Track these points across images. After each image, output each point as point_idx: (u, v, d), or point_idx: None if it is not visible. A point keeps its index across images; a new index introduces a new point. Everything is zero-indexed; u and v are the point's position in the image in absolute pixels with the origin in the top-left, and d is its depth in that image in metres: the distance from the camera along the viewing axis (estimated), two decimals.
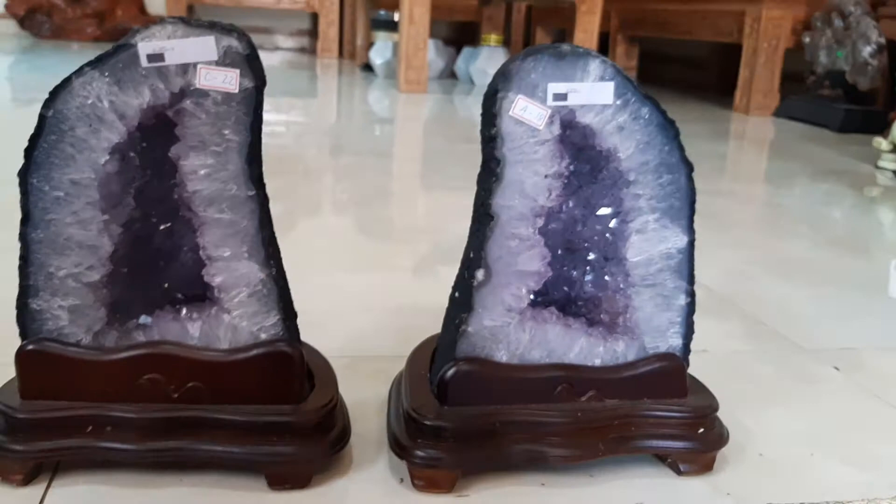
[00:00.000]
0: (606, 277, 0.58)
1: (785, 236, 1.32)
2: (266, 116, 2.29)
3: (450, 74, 3.83)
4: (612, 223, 0.57)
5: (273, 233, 0.54)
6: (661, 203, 0.57)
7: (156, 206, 0.53)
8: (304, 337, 0.59)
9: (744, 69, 2.97)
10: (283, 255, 0.55)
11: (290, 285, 0.56)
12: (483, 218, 0.55)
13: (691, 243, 0.58)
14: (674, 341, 0.60)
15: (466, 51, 3.70)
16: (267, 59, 4.28)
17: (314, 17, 4.70)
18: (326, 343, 0.65)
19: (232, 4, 4.49)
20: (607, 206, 0.57)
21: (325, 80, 3.59)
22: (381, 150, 1.95)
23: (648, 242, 0.57)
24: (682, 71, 4.14)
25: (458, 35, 4.93)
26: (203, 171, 0.51)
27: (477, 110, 2.07)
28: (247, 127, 0.51)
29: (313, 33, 4.86)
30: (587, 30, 3.14)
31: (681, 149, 0.56)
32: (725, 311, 0.94)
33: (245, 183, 0.52)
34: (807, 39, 2.83)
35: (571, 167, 0.56)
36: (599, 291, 0.59)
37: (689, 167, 0.56)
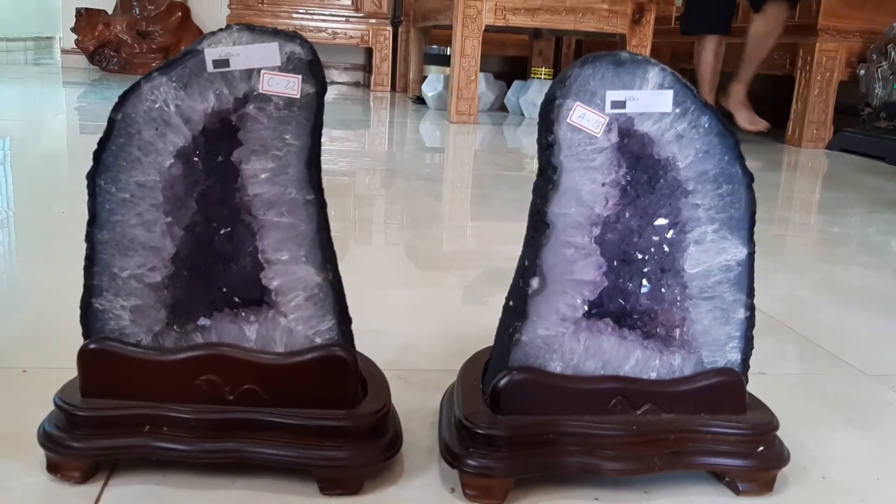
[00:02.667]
0: (663, 289, 0.58)
1: (842, 263, 1.29)
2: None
3: (500, 107, 3.86)
4: (670, 234, 0.56)
5: (330, 237, 0.54)
6: (720, 214, 0.56)
7: (217, 210, 0.54)
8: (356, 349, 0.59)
9: (796, 102, 2.93)
10: None
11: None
12: (539, 226, 0.55)
13: (751, 255, 0.57)
14: (732, 356, 0.58)
15: (517, 84, 3.73)
16: None
17: (368, 52, 4.78)
18: (378, 356, 0.65)
19: None
20: (665, 216, 0.56)
21: (378, 111, 3.65)
22: (432, 176, 1.97)
23: (707, 254, 0.56)
24: None
25: (509, 69, 4.97)
26: (264, 174, 0.52)
27: (526, 141, 2.09)
28: (307, 132, 0.52)
29: (367, 68, 4.94)
30: None
31: (740, 158, 0.55)
32: (782, 335, 0.92)
33: (304, 187, 0.53)
34: (862, 72, 2.78)
35: (629, 176, 0.55)
36: (655, 304, 0.58)
37: (750, 177, 0.56)
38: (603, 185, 0.55)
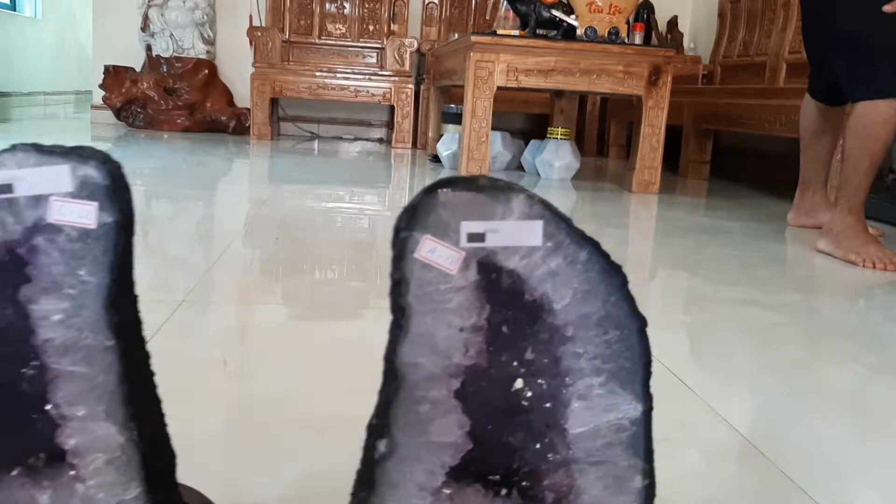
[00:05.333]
0: (548, 452, 0.48)
1: (837, 361, 1.18)
2: (340, 204, 2.30)
3: (518, 166, 3.79)
4: (549, 387, 0.47)
5: (143, 388, 0.46)
6: (608, 364, 0.47)
7: (6, 356, 0.46)
8: None
9: None
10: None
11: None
12: (388, 377, 0.46)
13: (647, 413, 0.47)
14: None
15: (533, 143, 3.66)
16: (346, 148, 4.36)
17: (392, 109, 4.77)
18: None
19: (313, 98, 4.60)
20: (542, 367, 0.47)
21: (398, 169, 3.61)
22: None
23: (593, 411, 0.47)
24: (758, 166, 3.99)
25: (533, 126, 4.92)
26: (56, 316, 0.45)
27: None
28: (105, 267, 0.44)
29: (390, 125, 4.93)
30: (654, 124, 3.05)
31: (629, 299, 0.46)
32: (746, 462, 0.81)
33: (103, 331, 0.45)
34: None
35: (495, 319, 0.47)
36: (535, 467, 0.48)
37: (641, 321, 0.46)
38: (461, 330, 0.46)
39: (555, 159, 3.44)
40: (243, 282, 1.40)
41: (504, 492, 0.49)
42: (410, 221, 0.45)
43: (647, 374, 0.47)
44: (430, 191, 0.44)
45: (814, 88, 2.29)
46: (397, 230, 0.45)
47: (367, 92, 4.61)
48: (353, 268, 1.63)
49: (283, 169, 3.26)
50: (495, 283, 0.46)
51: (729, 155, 4.18)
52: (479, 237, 0.45)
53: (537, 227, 0.45)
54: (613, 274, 0.46)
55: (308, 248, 1.72)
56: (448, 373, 0.46)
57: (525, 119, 5.04)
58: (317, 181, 2.90)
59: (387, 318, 0.45)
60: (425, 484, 0.47)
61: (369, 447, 0.47)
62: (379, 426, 0.46)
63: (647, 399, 0.47)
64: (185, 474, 0.53)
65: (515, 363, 0.47)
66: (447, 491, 0.47)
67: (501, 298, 0.46)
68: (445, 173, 3.41)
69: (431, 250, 0.44)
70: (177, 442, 0.51)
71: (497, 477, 0.49)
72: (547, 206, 0.45)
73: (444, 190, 0.44)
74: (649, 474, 0.48)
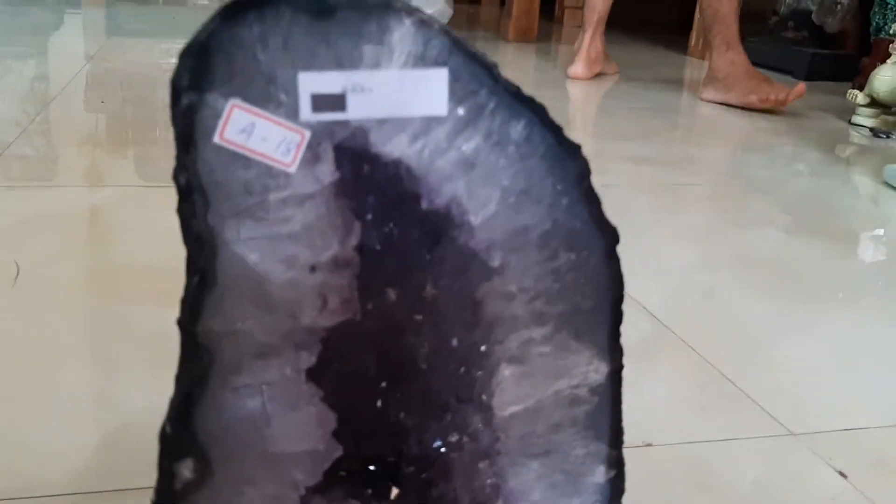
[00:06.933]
0: (457, 436, 0.31)
1: (749, 221, 1.06)
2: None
3: None
4: (462, 345, 0.29)
5: None
6: (556, 305, 0.29)
7: None
8: None
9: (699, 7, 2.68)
10: None
11: None
12: (187, 356, 0.27)
13: (615, 374, 0.30)
14: None
15: None
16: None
17: None
18: None
19: None
20: (451, 314, 0.29)
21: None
22: None
23: (532, 380, 0.29)
24: (638, 7, 3.83)
25: None
26: None
27: None
28: None
29: None
30: None
31: (591, 201, 0.28)
32: (675, 360, 0.67)
33: None
34: None
35: (371, 243, 0.27)
36: (440, 457, 0.31)
37: (611, 236, 0.28)
38: (313, 269, 0.26)
39: (426, 5, 3.15)
40: (51, 156, 1.13)
41: (395, 493, 0.32)
42: (200, 74, 0.24)
43: (617, 316, 0.29)
44: (232, 13, 0.23)
45: None
46: (176, 91, 0.24)
47: None
48: None
49: (120, 20, 2.84)
50: (368, 182, 0.26)
51: None
52: (334, 101, 0.24)
53: (439, 80, 0.25)
54: (567, 160, 0.27)
55: (139, 112, 1.45)
56: (294, 342, 0.27)
57: None
58: (159, 34, 2.53)
59: None
60: None
61: (166, 471, 0.27)
62: (177, 439, 0.27)
63: (615, 354, 0.30)
64: None
65: (407, 308, 0.28)
66: None
67: (380, 209, 0.27)
68: None
69: (245, 128, 0.24)
70: None
71: (383, 475, 0.31)
72: (456, 42, 0.25)
73: (260, 13, 0.23)
74: (616, 462, 0.31)
